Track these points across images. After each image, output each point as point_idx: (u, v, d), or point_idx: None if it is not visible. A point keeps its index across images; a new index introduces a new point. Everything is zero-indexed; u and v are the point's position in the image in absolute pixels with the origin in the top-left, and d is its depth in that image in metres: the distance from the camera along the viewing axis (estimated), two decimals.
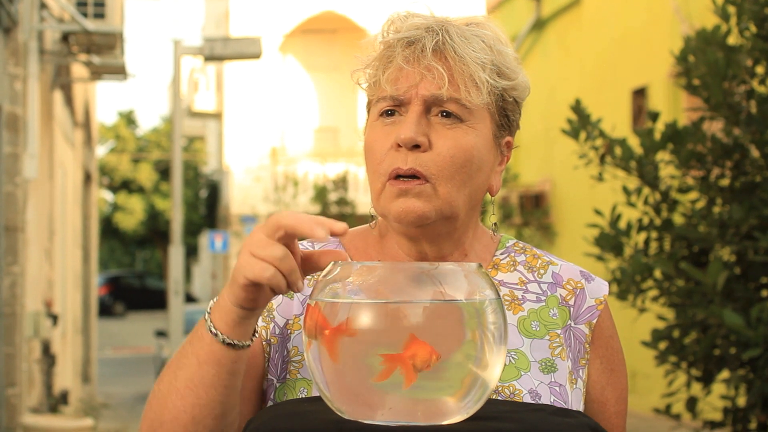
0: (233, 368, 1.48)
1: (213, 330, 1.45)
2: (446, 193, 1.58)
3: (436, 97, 1.58)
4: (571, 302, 1.69)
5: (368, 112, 1.70)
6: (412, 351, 1.34)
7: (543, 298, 1.69)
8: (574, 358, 1.66)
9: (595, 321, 1.69)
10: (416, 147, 1.57)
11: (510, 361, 1.61)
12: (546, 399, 1.60)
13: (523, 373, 1.61)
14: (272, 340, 1.65)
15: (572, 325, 1.68)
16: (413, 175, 1.58)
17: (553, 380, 1.62)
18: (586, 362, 1.67)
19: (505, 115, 1.65)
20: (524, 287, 1.69)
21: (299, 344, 1.65)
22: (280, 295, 1.64)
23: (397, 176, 1.59)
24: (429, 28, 1.60)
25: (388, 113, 1.61)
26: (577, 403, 1.64)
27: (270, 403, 1.64)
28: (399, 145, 1.58)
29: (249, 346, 1.47)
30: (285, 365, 1.64)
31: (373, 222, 1.74)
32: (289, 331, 1.66)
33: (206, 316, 1.47)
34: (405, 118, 1.59)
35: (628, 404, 1.73)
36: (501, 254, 1.73)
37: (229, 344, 1.45)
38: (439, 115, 1.59)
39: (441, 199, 1.58)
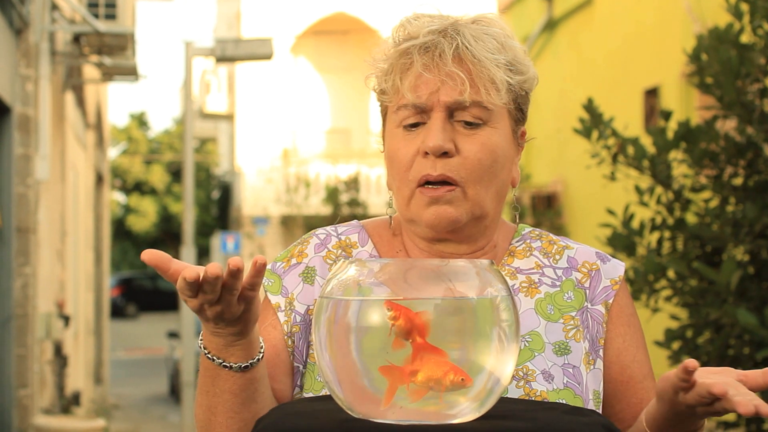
0: (263, 374, 1.55)
1: (228, 364, 1.51)
2: (475, 194, 1.61)
3: (459, 103, 1.59)
4: (587, 284, 1.71)
5: (384, 117, 1.71)
6: (415, 367, 1.33)
7: (558, 283, 1.70)
8: (592, 339, 1.67)
9: (611, 301, 1.70)
10: (444, 153, 1.60)
11: (524, 345, 1.62)
12: (559, 380, 1.61)
13: (536, 354, 1.62)
14: (294, 330, 1.69)
15: (589, 306, 1.69)
16: (443, 181, 1.60)
17: (566, 362, 1.63)
18: (605, 342, 1.69)
19: (520, 108, 1.68)
20: (540, 271, 1.71)
21: None
22: (300, 284, 1.71)
23: (427, 183, 1.61)
24: (443, 32, 1.61)
25: (412, 126, 1.63)
26: (594, 383, 1.65)
27: (296, 390, 1.67)
28: (426, 153, 1.60)
29: (263, 355, 1.53)
30: (308, 350, 1.67)
31: (395, 218, 1.76)
32: (310, 317, 1.68)
33: (217, 360, 1.51)
34: (429, 126, 1.61)
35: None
36: (517, 242, 1.75)
37: (246, 367, 1.51)
38: (462, 121, 1.61)
39: (471, 202, 1.61)
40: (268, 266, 1.75)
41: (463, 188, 1.60)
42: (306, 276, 1.71)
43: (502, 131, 1.63)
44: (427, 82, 1.60)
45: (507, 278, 1.66)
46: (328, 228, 1.77)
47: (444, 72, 1.59)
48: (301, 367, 1.67)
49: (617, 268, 1.74)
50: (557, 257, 1.73)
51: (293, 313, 1.69)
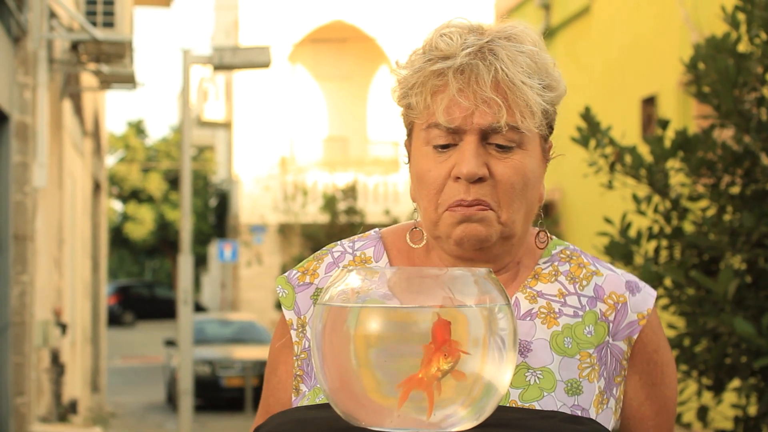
0: None
1: None
2: (507, 217, 1.58)
3: (495, 128, 1.55)
4: (611, 318, 1.64)
5: (409, 131, 1.66)
6: (427, 365, 1.33)
7: (580, 313, 1.64)
8: (608, 377, 1.62)
9: (635, 336, 1.64)
10: (480, 179, 1.56)
11: (535, 380, 1.57)
12: None
13: (546, 394, 1.56)
14: (302, 356, 1.66)
15: (610, 341, 1.63)
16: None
17: (576, 403, 1.57)
18: (621, 379, 1.63)
19: (549, 124, 1.65)
20: (563, 299, 1.65)
21: None
22: (311, 307, 1.67)
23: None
24: (479, 53, 1.56)
25: (443, 147, 1.58)
26: (605, 423, 1.59)
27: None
28: (458, 177, 1.56)
29: None
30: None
31: (416, 231, 1.69)
32: None
33: None
34: (462, 150, 1.56)
35: (674, 415, 1.69)
36: (544, 263, 1.69)
37: None
38: (495, 145, 1.57)
39: (502, 224, 1.58)
40: (285, 274, 1.72)
41: (496, 212, 1.57)
42: (316, 299, 1.68)
43: (533, 152, 1.60)
44: (461, 106, 1.55)
45: (526, 301, 1.63)
46: (345, 243, 1.73)
47: (480, 97, 1.54)
48: (306, 391, 1.64)
49: (647, 299, 1.67)
50: (584, 283, 1.67)
51: (304, 338, 1.67)
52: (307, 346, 1.66)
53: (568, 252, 1.71)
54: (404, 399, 1.33)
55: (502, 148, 1.57)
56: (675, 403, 1.70)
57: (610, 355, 1.63)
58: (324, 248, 1.74)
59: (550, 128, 1.65)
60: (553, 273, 1.68)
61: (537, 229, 1.71)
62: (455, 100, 1.55)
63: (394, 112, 1.70)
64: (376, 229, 1.77)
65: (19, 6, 8.23)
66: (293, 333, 1.68)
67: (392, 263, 1.69)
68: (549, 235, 1.72)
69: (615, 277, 1.68)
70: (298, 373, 1.66)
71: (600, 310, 1.64)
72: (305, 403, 1.62)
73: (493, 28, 1.62)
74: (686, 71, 4.70)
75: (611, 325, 1.64)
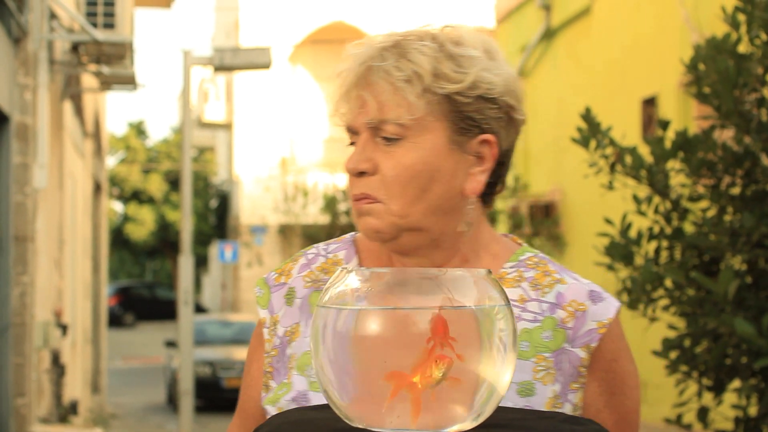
0: None
1: None
2: (399, 209, 1.61)
3: (370, 123, 1.61)
4: (570, 325, 1.65)
5: None
6: (418, 372, 1.33)
7: (540, 318, 1.65)
8: (564, 382, 1.63)
9: (594, 345, 1.64)
10: (363, 173, 1.62)
11: None
12: None
13: None
14: (273, 353, 1.72)
15: (567, 348, 1.64)
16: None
17: (527, 404, 1.59)
18: (579, 386, 1.64)
19: (467, 116, 1.61)
20: (523, 305, 1.66)
21: (297, 351, 1.69)
22: (284, 306, 1.73)
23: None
24: (362, 55, 1.63)
25: (353, 144, 1.67)
26: None
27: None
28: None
29: None
30: (286, 371, 1.68)
31: None
32: (288, 338, 1.71)
33: None
34: (354, 147, 1.65)
35: (636, 427, 1.69)
36: (510, 267, 1.70)
37: None
38: (381, 138, 1.61)
39: (395, 215, 1.61)
40: (265, 276, 1.78)
41: (385, 204, 1.61)
42: (288, 298, 1.74)
43: (426, 145, 1.60)
44: (347, 107, 1.64)
45: None
46: (320, 246, 1.79)
47: (354, 96, 1.62)
48: (274, 384, 1.70)
49: (608, 309, 1.66)
50: (546, 290, 1.67)
51: (275, 336, 1.72)
52: (277, 344, 1.71)
53: (536, 259, 1.72)
54: (394, 395, 1.33)
55: (389, 141, 1.61)
56: (637, 415, 1.70)
57: (568, 362, 1.63)
58: (300, 251, 1.80)
59: (473, 120, 1.62)
60: (518, 278, 1.69)
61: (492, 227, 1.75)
62: (343, 102, 1.65)
63: None
64: (353, 233, 1.81)
65: (20, 7, 8.23)
66: (265, 331, 1.73)
67: (362, 265, 1.74)
68: (496, 231, 1.74)
69: (578, 286, 1.68)
70: (267, 370, 1.71)
71: (559, 317, 1.65)
72: (270, 396, 1.68)
73: (409, 31, 1.66)
74: (687, 72, 4.70)
75: (570, 332, 1.64)
